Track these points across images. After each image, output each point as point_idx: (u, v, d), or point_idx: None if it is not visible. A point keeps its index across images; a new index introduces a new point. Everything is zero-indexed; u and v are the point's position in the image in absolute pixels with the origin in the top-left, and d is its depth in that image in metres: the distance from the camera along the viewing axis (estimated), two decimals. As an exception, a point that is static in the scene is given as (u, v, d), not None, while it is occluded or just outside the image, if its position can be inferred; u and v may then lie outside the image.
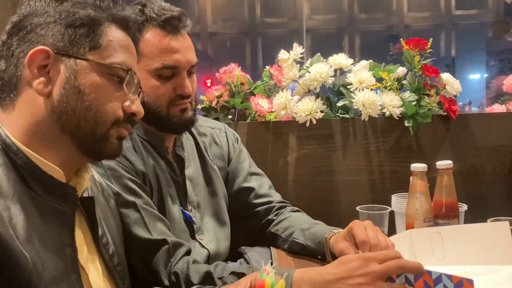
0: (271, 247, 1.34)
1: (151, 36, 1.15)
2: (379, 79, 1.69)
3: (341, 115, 1.69)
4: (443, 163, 1.26)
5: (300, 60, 1.69)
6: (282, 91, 1.67)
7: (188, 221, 1.25)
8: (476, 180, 1.70)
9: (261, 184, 1.41)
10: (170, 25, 1.16)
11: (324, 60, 1.71)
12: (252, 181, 1.41)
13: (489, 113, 1.85)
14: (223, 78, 1.80)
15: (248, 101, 1.74)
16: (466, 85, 1.58)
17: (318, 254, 1.21)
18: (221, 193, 1.36)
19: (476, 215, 1.28)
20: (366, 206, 1.35)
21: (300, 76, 1.68)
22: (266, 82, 1.82)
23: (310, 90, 1.68)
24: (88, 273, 0.82)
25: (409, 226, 1.26)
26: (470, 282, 0.77)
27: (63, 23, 0.78)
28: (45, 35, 0.78)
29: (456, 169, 1.30)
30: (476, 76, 10.49)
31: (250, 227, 1.42)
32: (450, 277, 0.78)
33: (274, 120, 1.71)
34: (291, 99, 1.64)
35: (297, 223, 1.31)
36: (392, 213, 1.39)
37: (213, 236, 1.29)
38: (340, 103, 1.69)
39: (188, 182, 1.27)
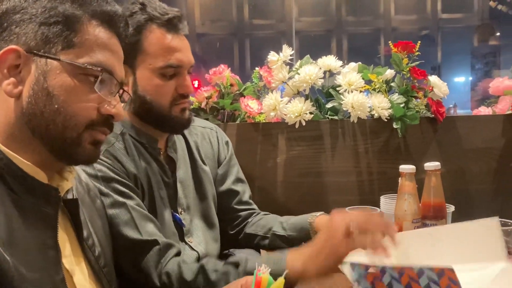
0: (261, 250, 1.34)
1: (155, 35, 1.15)
2: (368, 81, 1.70)
3: (330, 117, 1.70)
4: (431, 165, 1.27)
5: (289, 61, 1.69)
6: (272, 92, 1.67)
7: (178, 224, 1.24)
8: (463, 181, 1.71)
9: (245, 192, 1.43)
10: (172, 25, 1.16)
11: (314, 62, 1.72)
12: (238, 186, 1.42)
13: (475, 115, 1.86)
14: (212, 79, 1.80)
15: (238, 102, 1.75)
16: (451, 88, 1.60)
17: (302, 242, 1.23)
18: (211, 195, 1.36)
19: (463, 216, 1.29)
20: (355, 208, 1.36)
21: (290, 78, 1.68)
22: (256, 83, 1.82)
23: (299, 92, 1.68)
24: (72, 275, 0.80)
25: (397, 227, 1.26)
26: (451, 270, 0.78)
27: (37, 21, 0.74)
28: (19, 34, 0.74)
29: (444, 171, 1.31)
30: (461, 79, 10.60)
31: (225, 230, 1.41)
32: (432, 269, 0.79)
33: (264, 121, 1.71)
34: (281, 101, 1.64)
35: (273, 219, 1.35)
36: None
37: (202, 238, 1.29)
38: (329, 105, 1.70)
39: (178, 185, 1.26)
